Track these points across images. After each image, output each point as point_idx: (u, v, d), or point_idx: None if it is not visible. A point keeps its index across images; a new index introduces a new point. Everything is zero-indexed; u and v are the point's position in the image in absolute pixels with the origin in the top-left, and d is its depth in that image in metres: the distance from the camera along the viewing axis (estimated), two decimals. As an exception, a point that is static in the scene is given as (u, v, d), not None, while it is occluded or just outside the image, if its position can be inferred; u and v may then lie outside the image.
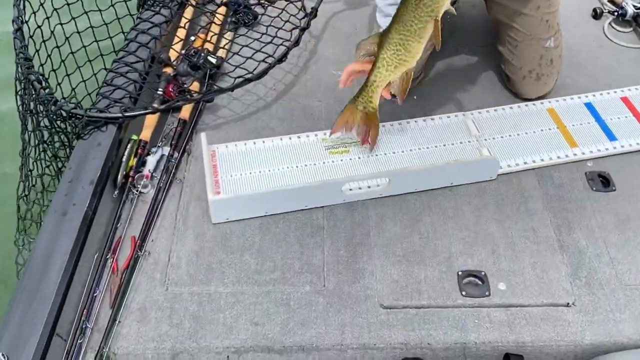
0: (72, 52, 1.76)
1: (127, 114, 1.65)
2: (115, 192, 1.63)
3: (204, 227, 1.62)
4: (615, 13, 2.29)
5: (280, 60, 1.83)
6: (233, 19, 2.16)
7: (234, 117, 1.92)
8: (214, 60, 1.92)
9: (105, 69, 1.83)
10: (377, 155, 1.78)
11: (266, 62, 1.82)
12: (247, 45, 1.94)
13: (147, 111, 1.66)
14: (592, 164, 1.80)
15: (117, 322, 1.41)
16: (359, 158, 1.78)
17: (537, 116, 1.91)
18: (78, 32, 1.79)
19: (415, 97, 1.96)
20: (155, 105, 1.72)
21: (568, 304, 1.48)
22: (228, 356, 1.40)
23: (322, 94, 2.00)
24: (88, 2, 1.91)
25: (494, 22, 1.98)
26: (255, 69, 1.84)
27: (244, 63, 1.86)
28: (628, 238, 1.61)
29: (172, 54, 1.91)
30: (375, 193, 1.68)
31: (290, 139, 1.81)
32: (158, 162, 1.73)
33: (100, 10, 1.89)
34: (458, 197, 1.71)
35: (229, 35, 2.06)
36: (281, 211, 1.64)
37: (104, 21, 1.86)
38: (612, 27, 2.29)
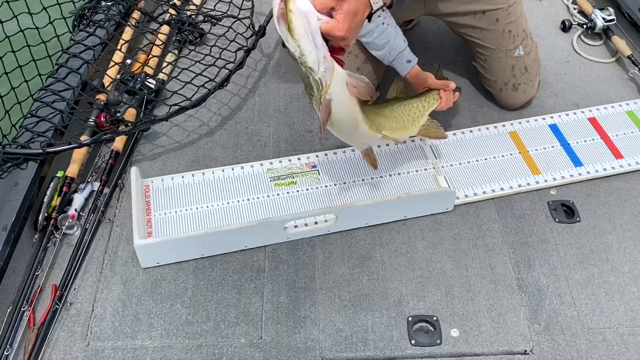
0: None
1: (49, 150, 1.53)
2: (36, 236, 1.51)
3: (132, 272, 1.50)
4: (585, 25, 2.20)
5: (222, 85, 1.72)
6: (177, 38, 2.04)
7: (173, 145, 1.81)
8: (152, 85, 1.81)
9: (32, 97, 1.71)
10: (325, 186, 1.68)
11: (206, 88, 1.70)
12: (188, 69, 1.83)
13: (71, 146, 1.54)
14: (556, 192, 1.70)
15: (29, 385, 1.30)
16: (307, 190, 1.68)
17: (499, 140, 1.82)
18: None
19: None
20: (83, 138, 1.61)
21: (525, 351, 1.38)
22: (152, 421, 1.29)
23: (270, 118, 1.90)
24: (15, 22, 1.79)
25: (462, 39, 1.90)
26: (194, 94, 1.73)
27: (182, 89, 1.75)
28: (592, 275, 1.52)
29: (107, 80, 1.80)
30: (322, 230, 1.58)
31: (232, 170, 1.71)
32: (86, 199, 1.62)
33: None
34: (412, 230, 1.61)
35: (170, 57, 1.95)
36: (219, 252, 1.54)
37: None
38: (582, 40, 2.20)
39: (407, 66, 1.68)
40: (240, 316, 1.43)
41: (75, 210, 1.57)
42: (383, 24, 1.61)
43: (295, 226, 1.56)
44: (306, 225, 1.56)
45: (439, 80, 1.66)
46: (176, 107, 1.66)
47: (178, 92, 1.73)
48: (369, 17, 1.26)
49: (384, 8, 1.32)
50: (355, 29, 1.22)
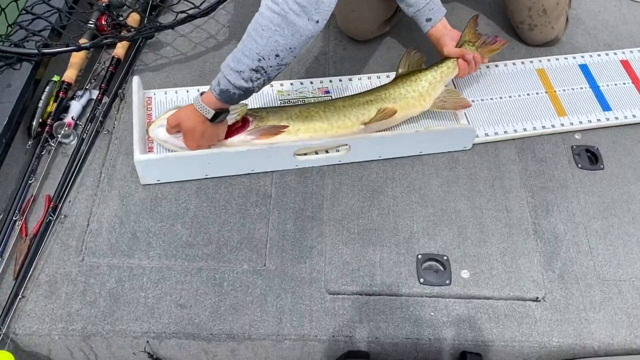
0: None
1: (45, 51, 1.43)
2: (29, 143, 1.43)
3: (131, 188, 1.44)
4: (625, -40, 2.07)
5: (233, -6, 1.60)
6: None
7: (178, 57, 1.71)
8: (159, -13, 1.69)
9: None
10: (339, 112, 1.59)
11: (215, -4, 1.59)
12: (196, -26, 1.69)
13: (69, 48, 1.44)
14: (581, 137, 1.63)
15: (19, 296, 1.25)
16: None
17: (525, 77, 1.73)
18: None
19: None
20: (82, 41, 1.50)
21: (537, 298, 1.35)
22: (148, 341, 1.26)
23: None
24: None
25: None
26: (202, 2, 1.61)
27: (189, -6, 1.63)
28: (611, 225, 1.47)
29: (109, -21, 1.67)
30: (333, 159, 1.51)
31: (241, 88, 1.61)
32: (84, 108, 1.53)
33: None
34: (427, 167, 1.54)
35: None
36: (224, 174, 1.47)
37: None
38: (620, -24, 2.07)
39: (425, 25, 1.57)
40: (244, 241, 1.38)
41: (72, 118, 1.49)
42: None
43: (305, 154, 1.49)
44: (317, 153, 1.49)
45: (455, 49, 1.57)
46: (183, 15, 1.55)
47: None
48: (214, 119, 1.34)
49: None
50: (203, 138, 1.38)
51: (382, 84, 1.65)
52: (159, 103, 1.56)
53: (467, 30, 1.62)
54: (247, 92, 1.29)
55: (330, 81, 1.66)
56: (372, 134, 1.49)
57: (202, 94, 1.33)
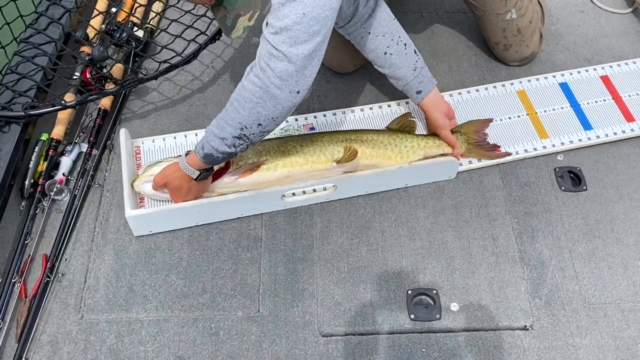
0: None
1: (32, 112, 1.47)
2: (23, 203, 1.48)
3: (125, 241, 1.49)
4: (602, -29, 2.10)
5: (214, 38, 1.64)
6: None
7: (164, 102, 1.75)
8: (140, 34, 1.73)
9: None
10: (324, 150, 1.64)
11: (197, 42, 1.63)
12: (178, 20, 1.74)
13: (55, 108, 1.49)
14: (563, 158, 1.68)
15: (23, 359, 1.31)
16: (305, 153, 1.63)
17: (506, 100, 1.77)
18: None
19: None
20: (68, 97, 1.54)
21: (525, 327, 1.40)
22: (149, 395, 1.31)
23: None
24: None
25: None
26: (184, 49, 1.65)
27: (171, 42, 1.67)
28: (596, 247, 1.52)
29: (91, 31, 1.71)
30: (321, 198, 1.56)
31: (227, 130, 1.66)
32: (75, 162, 1.58)
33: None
34: (413, 199, 1.59)
35: (158, 6, 1.85)
36: (214, 220, 1.52)
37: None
38: (598, -14, 2.11)
39: (416, 97, 1.60)
40: (237, 288, 1.43)
41: (63, 174, 1.54)
42: (385, 53, 1.53)
43: (293, 194, 1.53)
44: (304, 193, 1.54)
45: (451, 137, 1.59)
46: (166, 65, 1.59)
47: (167, 46, 1.65)
48: (198, 178, 1.39)
49: None
50: (189, 194, 1.44)
51: (367, 116, 1.70)
52: (147, 152, 1.60)
53: (472, 125, 1.65)
54: (230, 155, 1.33)
55: (315, 117, 1.70)
56: (357, 173, 1.53)
57: (187, 154, 1.37)
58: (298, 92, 1.23)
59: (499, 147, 1.65)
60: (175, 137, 1.63)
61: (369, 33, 1.50)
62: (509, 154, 1.64)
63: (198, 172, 1.37)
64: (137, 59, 1.73)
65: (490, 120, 1.69)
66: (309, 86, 1.24)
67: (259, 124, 1.26)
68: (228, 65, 1.84)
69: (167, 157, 1.52)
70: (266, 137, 1.54)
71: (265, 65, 1.20)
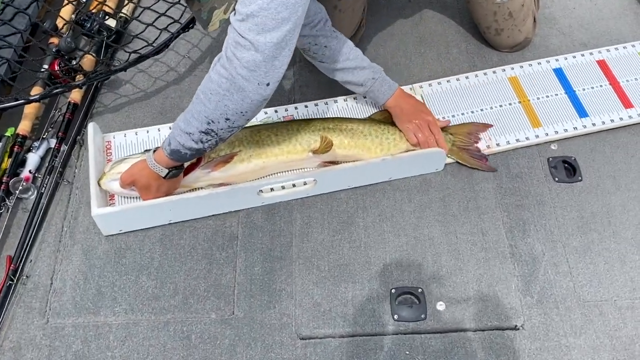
0: None
1: (-6, 106, 1.41)
2: (-14, 203, 1.42)
3: (94, 241, 1.43)
4: (599, -50, 2.02)
5: (187, 27, 1.57)
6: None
7: (137, 95, 1.68)
8: (112, 24, 1.66)
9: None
10: (305, 142, 1.57)
11: (169, 31, 1.56)
12: (151, 7, 1.67)
13: (19, 102, 1.42)
14: (557, 147, 1.60)
15: (-16, 367, 1.25)
16: (285, 145, 1.57)
17: (497, 87, 1.69)
18: None
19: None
20: (35, 90, 1.48)
21: (516, 326, 1.33)
22: (117, 403, 1.25)
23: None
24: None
25: None
26: (156, 39, 1.58)
27: (143, 32, 1.60)
28: (591, 242, 1.44)
29: (60, 21, 1.64)
30: (300, 193, 1.49)
31: (203, 123, 1.59)
32: (43, 158, 1.52)
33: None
34: (398, 192, 1.52)
35: (132, -8, 1.78)
36: (187, 218, 1.45)
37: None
38: (595, -33, 2.02)
39: (380, 100, 1.54)
40: (211, 289, 1.37)
41: (30, 171, 1.48)
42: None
43: (272, 189, 1.46)
44: (283, 188, 1.47)
45: (412, 138, 1.53)
46: (135, 55, 1.52)
47: (139, 36, 1.58)
48: (168, 176, 1.33)
49: None
50: (158, 191, 1.38)
51: (350, 107, 1.63)
52: (118, 147, 1.54)
53: (465, 127, 1.59)
54: (198, 152, 1.27)
55: (296, 108, 1.63)
56: (338, 167, 1.46)
57: (155, 150, 1.31)
58: (268, 85, 1.16)
59: (486, 159, 1.57)
60: (148, 131, 1.57)
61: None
62: (494, 170, 1.56)
63: (167, 170, 1.31)
64: (109, 50, 1.66)
65: (489, 126, 1.61)
66: (280, 78, 1.17)
67: (227, 118, 1.19)
68: (205, 55, 1.77)
69: (134, 154, 1.45)
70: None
71: (232, 54, 1.13)
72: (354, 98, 1.65)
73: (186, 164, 1.37)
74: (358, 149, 1.50)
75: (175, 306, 1.34)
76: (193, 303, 1.35)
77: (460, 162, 1.55)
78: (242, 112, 1.18)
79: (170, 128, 1.54)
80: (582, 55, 1.77)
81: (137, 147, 1.54)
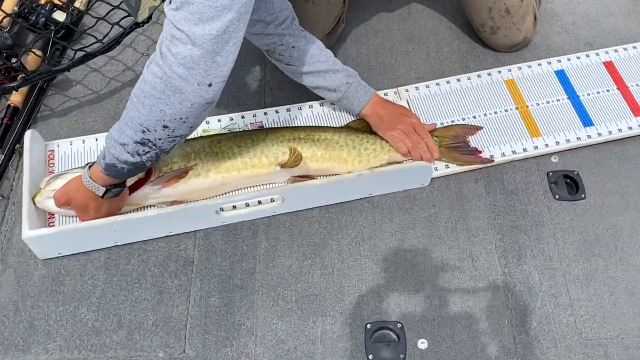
0: None
1: None
2: None
3: (29, 265, 1.26)
4: (607, -60, 1.84)
5: (139, 23, 1.39)
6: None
7: (89, 97, 1.51)
8: (62, 18, 1.49)
9: None
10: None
11: (121, 27, 1.39)
12: (104, 0, 1.49)
13: (-57, 107, 1.25)
14: (558, 160, 1.44)
15: None
16: (251, 156, 1.40)
17: (492, 92, 1.52)
18: None
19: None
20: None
21: (508, 369, 1.17)
22: None
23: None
24: None
25: None
26: (106, 34, 1.42)
27: (92, 26, 1.43)
28: (595, 269, 1.28)
29: (1, 14, 1.47)
30: (266, 211, 1.32)
31: (160, 130, 1.42)
32: (-25, 170, 1.35)
33: None
34: (378, 211, 1.35)
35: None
36: (136, 240, 1.29)
37: None
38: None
39: (355, 107, 1.39)
40: (160, 323, 1.20)
41: (-41, 185, 1.31)
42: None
43: (234, 207, 1.30)
44: (247, 205, 1.30)
45: (396, 139, 1.36)
46: (81, 54, 1.35)
47: (87, 31, 1.41)
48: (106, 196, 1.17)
49: None
50: (98, 212, 1.21)
51: (327, 113, 1.47)
52: (63, 156, 1.37)
53: (451, 129, 1.43)
54: (137, 167, 1.10)
55: (265, 114, 1.46)
56: (309, 182, 1.29)
57: (90, 166, 1.14)
58: (210, 85, 0.99)
59: (480, 151, 1.41)
60: (97, 139, 1.40)
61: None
62: (491, 161, 1.40)
63: (104, 189, 1.14)
64: (58, 47, 1.49)
65: (479, 128, 1.44)
66: (224, 78, 1.01)
67: (165, 126, 1.03)
68: (167, 52, 1.60)
69: (75, 167, 1.29)
70: (196, 137, 1.33)
71: (167, 50, 0.97)
72: (331, 103, 1.48)
73: (130, 181, 1.20)
74: (333, 161, 1.33)
75: (118, 342, 1.18)
76: (139, 339, 1.18)
77: (453, 163, 1.39)
78: (181, 119, 1.02)
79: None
80: (587, 56, 1.60)
81: (84, 157, 1.37)
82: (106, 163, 1.09)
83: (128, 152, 1.06)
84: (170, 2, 0.95)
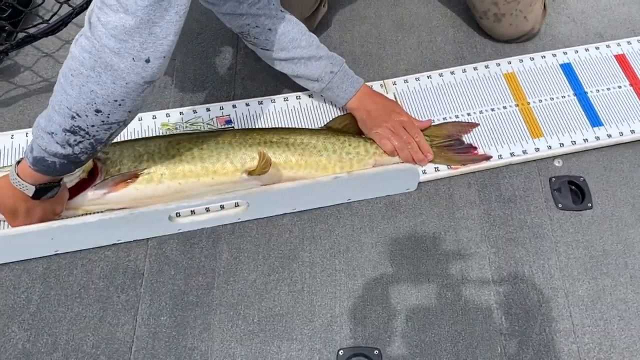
0: None
1: None
2: None
3: (-44, 276, 1.11)
4: None
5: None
6: None
7: (39, 85, 1.37)
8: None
9: None
10: (242, 150, 1.25)
11: (70, 6, 1.24)
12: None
13: None
14: (562, 164, 1.29)
15: None
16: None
17: (489, 86, 1.37)
18: None
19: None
20: None
21: (500, 406, 1.02)
22: None
23: (176, 46, 1.44)
24: None
25: None
26: (53, 15, 1.26)
27: (40, 5, 1.28)
28: (602, 290, 1.13)
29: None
30: (229, 218, 1.17)
31: (115, 123, 1.27)
32: None
33: None
34: (357, 219, 1.21)
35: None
36: (80, 248, 1.14)
37: None
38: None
39: (340, 99, 1.25)
40: (102, 345, 1.05)
41: None
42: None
43: (192, 212, 1.15)
44: (207, 210, 1.15)
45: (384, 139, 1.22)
46: (22, 35, 1.20)
47: (32, 10, 1.26)
48: (38, 196, 1.01)
49: None
50: (30, 217, 1.05)
51: (305, 107, 1.32)
52: (1, 151, 1.22)
53: (443, 128, 1.29)
54: (70, 160, 0.95)
55: (234, 106, 1.31)
56: (277, 186, 1.14)
57: (19, 162, 0.99)
58: (147, 61, 0.84)
59: (475, 147, 1.26)
60: (43, 132, 1.25)
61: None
62: (488, 158, 1.25)
63: (33, 187, 0.99)
64: (5, 28, 1.34)
65: (474, 125, 1.30)
66: (165, 54, 0.86)
67: (97, 110, 0.88)
68: (129, 37, 1.45)
69: (3, 166, 1.14)
70: (152, 136, 1.18)
71: (96, 19, 0.82)
72: (310, 96, 1.33)
73: (70, 182, 1.05)
74: (310, 168, 1.18)
75: (51, 368, 1.03)
76: (75, 364, 1.04)
77: (445, 164, 1.24)
78: (116, 101, 0.88)
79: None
80: (597, 48, 1.45)
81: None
82: (34, 156, 0.94)
83: (57, 143, 0.91)
84: None
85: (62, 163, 0.94)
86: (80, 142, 0.92)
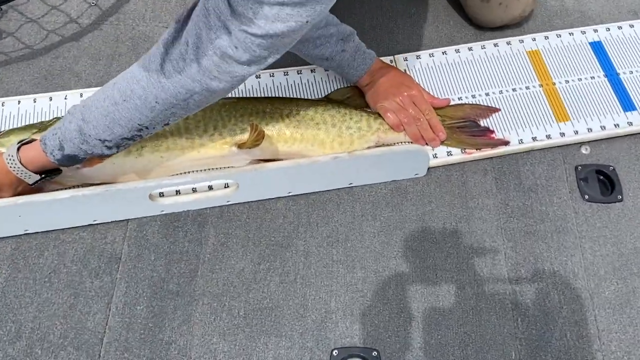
0: None
1: None
2: None
3: None
4: None
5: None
6: None
7: (21, 52, 1.27)
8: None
9: None
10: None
11: (53, -36, 1.14)
12: None
13: None
14: (589, 151, 1.16)
15: None
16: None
17: (511, 65, 1.25)
18: None
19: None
20: None
21: (512, 419, 0.91)
22: None
23: (170, 15, 1.34)
24: None
25: None
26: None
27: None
28: (631, 291, 1.01)
29: None
30: (218, 199, 1.07)
31: (98, 95, 1.17)
32: None
33: None
34: (359, 205, 1.09)
35: None
36: (52, 228, 1.04)
37: None
38: None
39: (353, 75, 1.14)
40: (70, 334, 0.96)
41: None
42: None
43: (178, 192, 1.04)
44: (194, 191, 1.05)
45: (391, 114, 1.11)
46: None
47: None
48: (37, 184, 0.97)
49: None
50: (11, 187, 0.97)
51: (306, 82, 1.21)
52: (-22, 121, 1.13)
53: (461, 109, 1.17)
54: (101, 156, 0.94)
55: (229, 80, 1.20)
56: (270, 165, 1.03)
57: (19, 148, 0.93)
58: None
59: (492, 131, 1.15)
60: (19, 102, 1.16)
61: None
62: (506, 143, 1.13)
63: (38, 177, 0.95)
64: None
65: (495, 110, 1.18)
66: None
67: (167, 124, 0.91)
68: (119, 3, 1.35)
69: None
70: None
71: (215, 68, 0.82)
72: (312, 70, 1.22)
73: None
74: (307, 143, 1.07)
75: (13, 357, 0.93)
76: (40, 354, 0.94)
77: (457, 147, 1.13)
78: (187, 114, 0.91)
79: (66, 98, 1.16)
80: (632, 26, 1.32)
81: (2, 122, 1.13)
82: (66, 155, 0.91)
83: (106, 147, 0.90)
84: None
85: (90, 158, 0.93)
86: (127, 144, 0.92)
